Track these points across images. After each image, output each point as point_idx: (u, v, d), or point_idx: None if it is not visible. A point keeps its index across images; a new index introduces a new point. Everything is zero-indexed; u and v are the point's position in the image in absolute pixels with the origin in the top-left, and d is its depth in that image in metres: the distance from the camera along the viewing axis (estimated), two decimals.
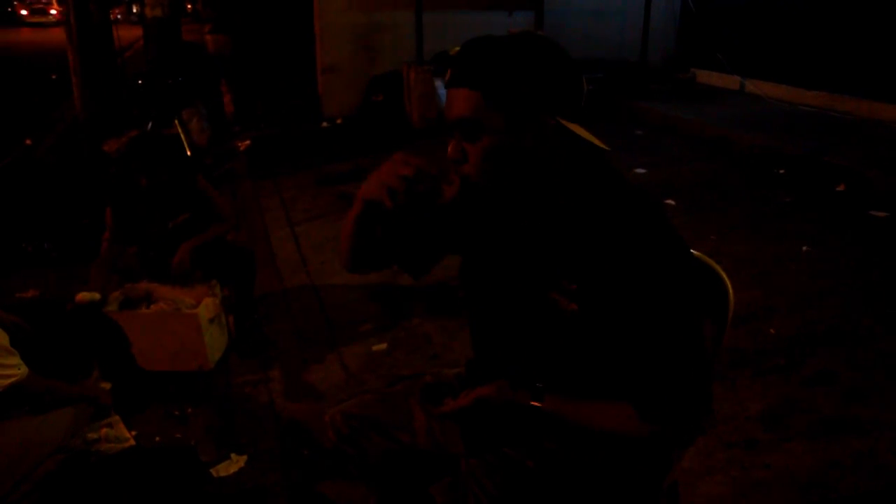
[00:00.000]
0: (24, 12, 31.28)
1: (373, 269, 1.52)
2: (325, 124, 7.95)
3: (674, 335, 1.19)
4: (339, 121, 7.96)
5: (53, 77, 10.85)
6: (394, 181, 1.23)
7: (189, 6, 32.92)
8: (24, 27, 28.39)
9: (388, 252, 1.48)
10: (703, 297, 1.27)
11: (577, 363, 1.30)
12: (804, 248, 4.06)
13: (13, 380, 2.00)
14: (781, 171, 5.53)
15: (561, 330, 1.27)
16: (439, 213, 1.44)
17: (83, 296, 2.94)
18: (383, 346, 3.19)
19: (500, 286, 1.37)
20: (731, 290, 1.42)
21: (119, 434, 2.50)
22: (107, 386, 2.68)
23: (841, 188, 5.04)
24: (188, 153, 5.81)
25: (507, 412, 1.32)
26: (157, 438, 2.60)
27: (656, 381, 1.21)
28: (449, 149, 1.24)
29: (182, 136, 5.96)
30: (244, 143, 7.07)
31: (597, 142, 1.21)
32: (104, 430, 2.51)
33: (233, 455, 2.49)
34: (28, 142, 6.73)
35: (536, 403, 1.28)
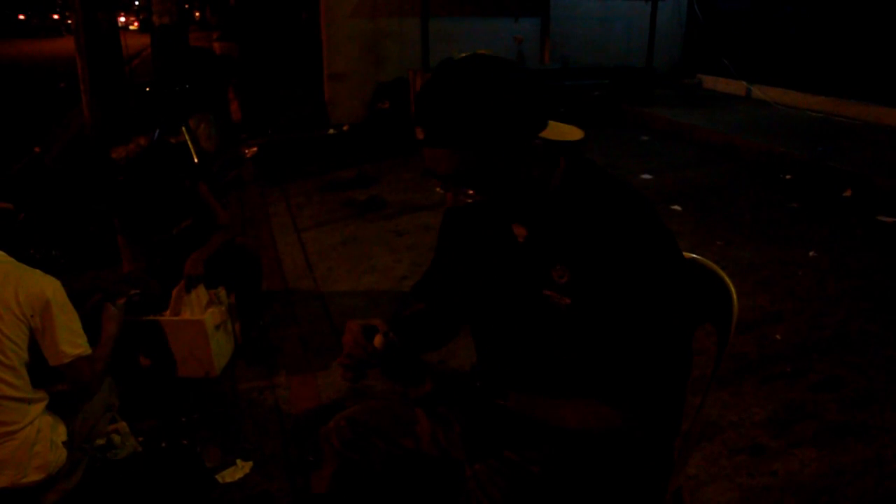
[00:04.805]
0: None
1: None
2: (331, 131, 7.97)
3: (658, 324, 1.20)
4: (345, 127, 7.99)
5: (62, 85, 10.92)
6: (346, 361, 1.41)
7: (197, 14, 33.10)
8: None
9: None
10: (691, 289, 1.28)
11: (567, 359, 1.31)
12: (811, 253, 4.05)
13: (77, 354, 2.08)
14: (788, 177, 5.52)
15: (555, 326, 1.28)
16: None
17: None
18: None
19: (494, 288, 1.38)
20: (734, 296, 1.42)
21: (125, 440, 2.51)
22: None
23: (848, 193, 5.03)
24: (195, 160, 5.84)
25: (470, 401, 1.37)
26: (163, 444, 2.61)
27: (638, 369, 1.21)
28: (448, 198, 1.23)
29: (189, 143, 5.99)
30: (251, 150, 7.09)
31: (573, 131, 1.22)
32: (111, 436, 2.52)
33: (238, 461, 2.50)
34: (37, 149, 6.77)
35: (501, 401, 1.31)
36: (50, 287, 2.03)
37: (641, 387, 1.22)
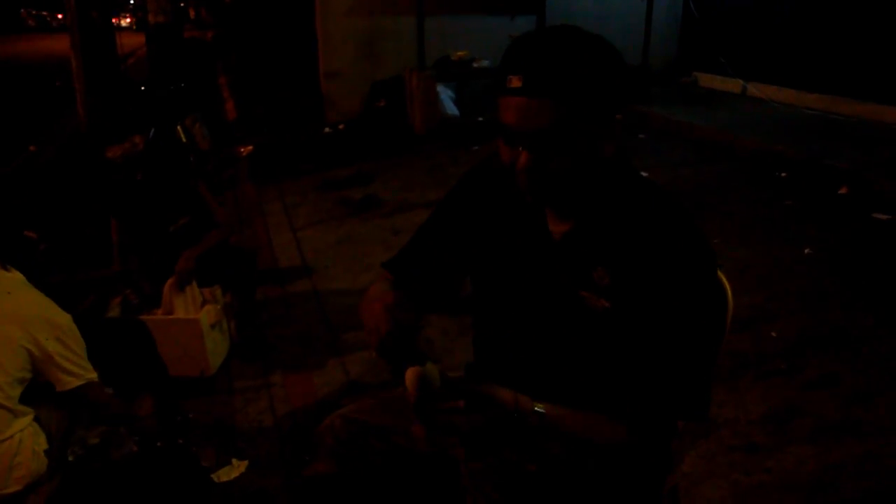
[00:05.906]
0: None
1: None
2: (327, 130, 7.96)
3: (694, 341, 1.19)
4: (341, 126, 7.97)
5: (57, 84, 10.90)
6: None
7: (192, 12, 33.05)
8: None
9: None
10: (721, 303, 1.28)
11: (593, 363, 1.28)
12: (806, 250, 4.05)
13: (88, 378, 2.17)
14: (783, 175, 5.52)
15: (589, 329, 1.25)
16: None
17: None
18: None
19: (519, 283, 1.34)
20: (730, 295, 1.42)
21: (120, 440, 2.51)
22: (109, 391, 2.69)
23: (843, 191, 5.02)
24: (191, 159, 5.83)
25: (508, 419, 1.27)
26: (159, 444, 2.60)
27: (666, 383, 1.20)
28: (521, 161, 1.15)
29: (185, 141, 5.98)
30: (247, 149, 7.08)
31: None
32: (106, 436, 2.51)
33: (234, 460, 2.50)
34: (32, 148, 6.76)
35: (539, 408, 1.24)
36: (65, 317, 2.16)
37: (666, 400, 1.20)
